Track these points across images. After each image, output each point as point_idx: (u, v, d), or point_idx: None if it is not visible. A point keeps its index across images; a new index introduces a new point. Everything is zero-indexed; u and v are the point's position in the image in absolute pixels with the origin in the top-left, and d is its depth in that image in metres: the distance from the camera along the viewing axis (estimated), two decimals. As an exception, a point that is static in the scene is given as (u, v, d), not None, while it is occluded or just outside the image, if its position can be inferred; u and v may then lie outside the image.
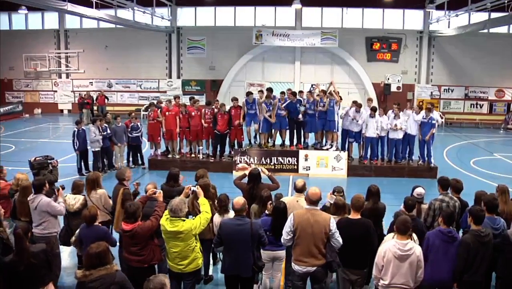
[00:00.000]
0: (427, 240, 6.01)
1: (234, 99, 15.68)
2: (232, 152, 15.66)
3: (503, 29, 27.34)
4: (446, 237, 5.95)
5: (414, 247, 5.55)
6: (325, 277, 6.26)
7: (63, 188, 7.67)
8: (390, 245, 5.59)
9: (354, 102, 15.39)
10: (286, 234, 6.06)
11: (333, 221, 5.96)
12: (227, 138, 15.75)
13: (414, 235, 5.99)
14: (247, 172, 8.20)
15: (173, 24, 29.24)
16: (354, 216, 6.26)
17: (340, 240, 5.92)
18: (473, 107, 29.21)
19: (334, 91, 15.37)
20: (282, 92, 15.68)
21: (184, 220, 6.00)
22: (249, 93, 15.73)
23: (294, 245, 6.06)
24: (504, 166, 17.13)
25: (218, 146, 15.67)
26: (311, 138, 16.38)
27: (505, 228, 6.52)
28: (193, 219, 6.20)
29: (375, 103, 21.10)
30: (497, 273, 6.36)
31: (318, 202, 6.13)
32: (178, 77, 29.83)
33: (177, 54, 29.72)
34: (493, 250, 6.07)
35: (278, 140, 16.18)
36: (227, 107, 15.74)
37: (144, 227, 6.09)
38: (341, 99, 15.42)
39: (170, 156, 15.92)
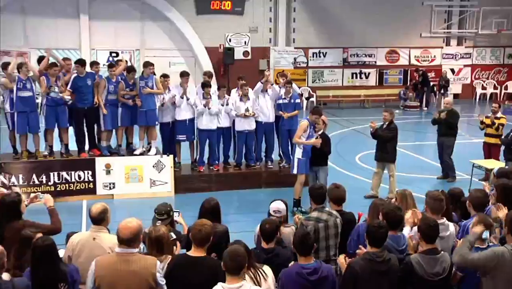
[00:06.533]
0: (280, 280, 6.37)
1: None
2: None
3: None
4: (305, 282, 6.27)
5: None
6: None
7: None
8: None
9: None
10: None
11: (159, 266, 6.06)
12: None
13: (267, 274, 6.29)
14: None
15: None
16: (196, 252, 6.38)
17: None
18: (356, 77, 31.80)
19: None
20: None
21: None
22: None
23: None
24: (401, 160, 18.39)
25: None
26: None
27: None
28: None
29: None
30: None
31: (136, 240, 6.12)
32: None
33: None
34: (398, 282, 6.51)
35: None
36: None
37: None
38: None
39: None
